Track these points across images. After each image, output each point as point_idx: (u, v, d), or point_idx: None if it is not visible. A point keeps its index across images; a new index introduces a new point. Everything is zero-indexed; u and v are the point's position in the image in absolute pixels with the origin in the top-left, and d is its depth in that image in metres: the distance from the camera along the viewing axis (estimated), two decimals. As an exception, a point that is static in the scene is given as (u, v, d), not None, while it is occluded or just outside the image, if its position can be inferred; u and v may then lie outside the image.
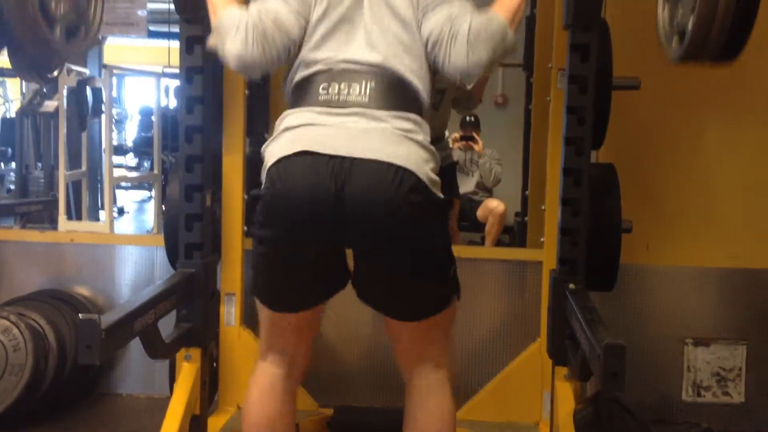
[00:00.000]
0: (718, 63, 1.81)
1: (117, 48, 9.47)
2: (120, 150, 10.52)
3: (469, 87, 2.91)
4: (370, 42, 1.84)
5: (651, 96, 3.12)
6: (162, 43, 5.59)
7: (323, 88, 1.82)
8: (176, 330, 2.61)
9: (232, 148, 2.87)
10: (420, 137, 1.80)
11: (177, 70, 2.74)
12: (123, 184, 9.17)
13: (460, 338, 3.20)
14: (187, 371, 2.65)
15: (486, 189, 5.94)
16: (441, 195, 1.82)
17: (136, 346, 2.38)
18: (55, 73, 5.12)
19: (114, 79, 7.31)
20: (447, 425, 1.96)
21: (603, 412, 2.87)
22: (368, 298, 1.93)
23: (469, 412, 2.95)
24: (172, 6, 2.63)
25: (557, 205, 2.66)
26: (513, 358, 3.04)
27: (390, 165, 1.71)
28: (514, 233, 4.20)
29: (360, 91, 1.80)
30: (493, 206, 5.56)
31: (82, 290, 3.53)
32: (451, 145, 5.39)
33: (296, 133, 1.80)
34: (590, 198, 2.59)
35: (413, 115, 1.83)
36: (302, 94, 1.86)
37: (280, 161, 1.77)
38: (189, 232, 2.66)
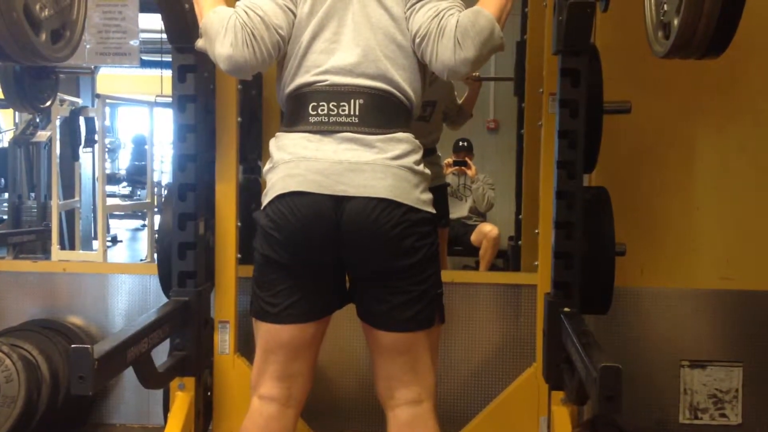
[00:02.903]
0: (704, 58, 1.82)
1: (110, 77, 9.49)
2: (113, 179, 10.51)
3: (457, 81, 2.90)
4: (358, 40, 1.85)
5: (642, 119, 3.14)
6: (154, 72, 5.61)
7: (313, 108, 1.85)
8: (170, 359, 2.60)
9: (225, 176, 2.87)
10: (410, 160, 1.84)
11: (169, 99, 2.75)
12: (116, 213, 9.17)
13: (455, 363, 3.19)
14: (181, 400, 2.63)
15: (479, 214, 5.95)
16: (432, 210, 1.87)
17: (129, 375, 2.37)
18: (48, 103, 5.16)
19: (107, 109, 7.33)
20: None
21: (600, 437, 2.86)
22: (360, 311, 1.97)
23: (465, 439, 2.94)
24: (164, 36, 2.64)
25: (551, 228, 2.66)
26: (509, 383, 3.02)
27: (381, 200, 1.79)
28: (508, 257, 4.21)
29: (349, 111, 1.83)
30: (486, 231, 5.57)
31: (75, 320, 3.51)
32: (443, 166, 5.40)
33: (294, 167, 1.83)
34: (584, 221, 2.60)
35: (403, 134, 1.86)
36: (294, 112, 1.89)
37: (283, 197, 1.83)
38: (182, 261, 2.66)
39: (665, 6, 1.83)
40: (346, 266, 1.93)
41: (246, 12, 1.85)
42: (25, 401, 3.06)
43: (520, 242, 3.63)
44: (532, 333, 2.95)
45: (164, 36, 2.65)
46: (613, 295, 2.76)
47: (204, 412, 2.79)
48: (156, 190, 7.21)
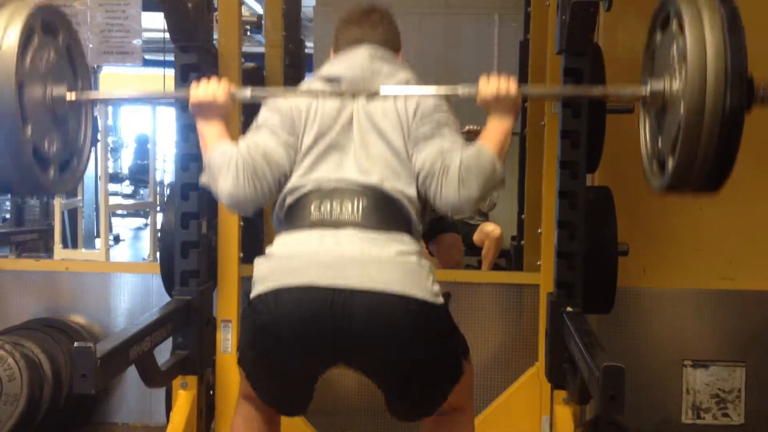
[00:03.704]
0: (700, 195, 1.83)
1: (112, 77, 9.50)
2: (116, 178, 10.52)
3: None
4: (361, 168, 1.84)
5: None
6: (157, 72, 5.61)
7: (315, 208, 1.80)
8: (172, 358, 2.60)
9: (227, 175, 2.87)
10: (413, 258, 1.77)
11: (172, 99, 2.75)
12: (119, 211, 9.17)
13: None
14: (184, 399, 2.63)
15: (482, 213, 5.94)
16: (441, 300, 1.79)
17: (132, 374, 2.37)
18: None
19: (109, 108, 7.34)
20: None
21: (602, 436, 2.86)
22: (390, 409, 1.93)
23: (467, 438, 2.93)
24: (167, 35, 2.64)
25: (553, 228, 2.66)
26: (511, 383, 3.02)
27: (391, 294, 1.69)
28: (511, 257, 4.21)
29: (352, 209, 1.79)
30: (489, 230, 5.56)
31: (78, 318, 3.51)
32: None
33: (293, 260, 1.76)
34: (586, 221, 2.60)
35: (405, 236, 1.81)
36: (294, 215, 1.84)
37: (279, 291, 1.73)
38: (185, 260, 2.66)
39: (659, 142, 1.84)
40: (353, 365, 1.84)
41: (248, 149, 1.85)
42: (28, 400, 3.06)
43: (522, 242, 3.63)
44: (534, 332, 2.95)
45: (167, 35, 2.65)
46: (616, 294, 2.75)
47: (206, 410, 2.79)
48: (158, 189, 7.23)
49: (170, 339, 2.58)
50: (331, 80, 1.94)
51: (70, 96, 1.90)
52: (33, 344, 3.22)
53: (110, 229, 7.19)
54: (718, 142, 1.63)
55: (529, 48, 3.48)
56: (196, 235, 2.66)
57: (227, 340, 2.88)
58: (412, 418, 1.95)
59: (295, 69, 3.96)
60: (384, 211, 1.80)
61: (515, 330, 3.21)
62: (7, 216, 7.19)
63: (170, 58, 2.79)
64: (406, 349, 1.74)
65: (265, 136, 1.88)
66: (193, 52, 2.60)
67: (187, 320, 2.62)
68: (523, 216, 3.64)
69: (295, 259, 1.75)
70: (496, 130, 1.87)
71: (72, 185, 1.98)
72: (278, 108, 1.92)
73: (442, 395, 1.87)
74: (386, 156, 1.85)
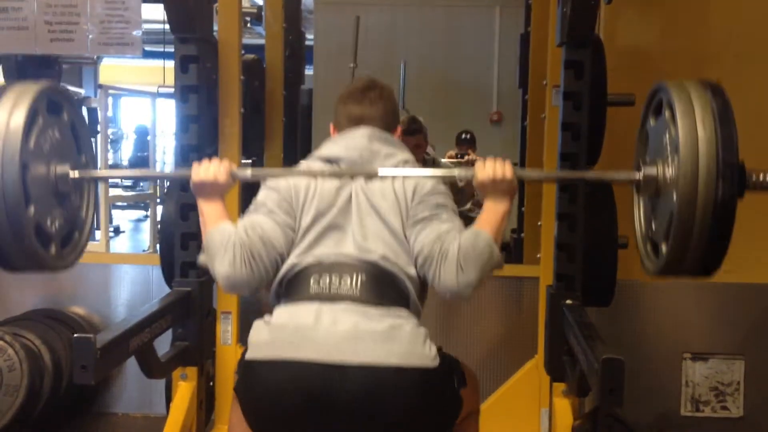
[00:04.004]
0: (694, 279, 1.84)
1: (112, 68, 9.49)
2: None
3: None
4: (360, 246, 1.85)
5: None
6: (157, 63, 5.61)
7: (315, 281, 1.82)
8: (172, 349, 2.61)
9: (227, 167, 2.87)
10: (408, 327, 1.78)
11: (172, 90, 2.75)
12: (119, 203, 9.17)
13: (456, 355, 3.19)
14: (184, 390, 2.64)
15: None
16: (437, 362, 1.79)
17: (132, 365, 2.37)
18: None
19: (109, 99, 7.33)
20: None
21: (601, 428, 2.86)
22: None
23: (467, 430, 2.94)
24: (167, 26, 2.64)
25: (553, 220, 2.66)
26: (510, 375, 3.02)
27: (386, 368, 1.71)
28: (511, 249, 4.21)
29: (351, 284, 1.80)
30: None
31: (78, 309, 3.52)
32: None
33: (290, 332, 1.77)
34: (586, 214, 2.59)
35: (403, 311, 1.82)
36: (294, 287, 1.85)
37: (275, 363, 1.74)
38: (185, 251, 2.66)
39: (653, 225, 1.86)
40: None
41: (246, 232, 1.86)
42: (28, 390, 3.07)
43: (522, 234, 3.63)
44: (534, 325, 2.95)
45: (167, 26, 2.65)
46: (616, 287, 2.76)
47: (206, 401, 2.80)
48: (158, 180, 7.23)
49: (170, 330, 2.58)
50: (330, 161, 1.97)
51: (74, 174, 1.94)
52: (33, 335, 3.23)
53: (110, 220, 7.20)
54: (711, 231, 1.66)
55: (530, 40, 3.48)
56: (196, 226, 2.64)
57: (227, 331, 2.88)
58: None
59: (295, 60, 3.96)
60: (382, 287, 1.82)
61: (515, 322, 3.21)
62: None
63: (170, 49, 2.79)
64: (403, 422, 1.75)
65: (263, 217, 1.90)
66: (192, 43, 2.60)
67: (187, 312, 2.62)
68: (523, 208, 3.64)
69: (292, 332, 1.76)
70: (493, 213, 1.89)
71: (73, 260, 2.03)
72: (277, 187, 1.94)
73: None
74: (384, 236, 1.87)
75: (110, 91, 7.37)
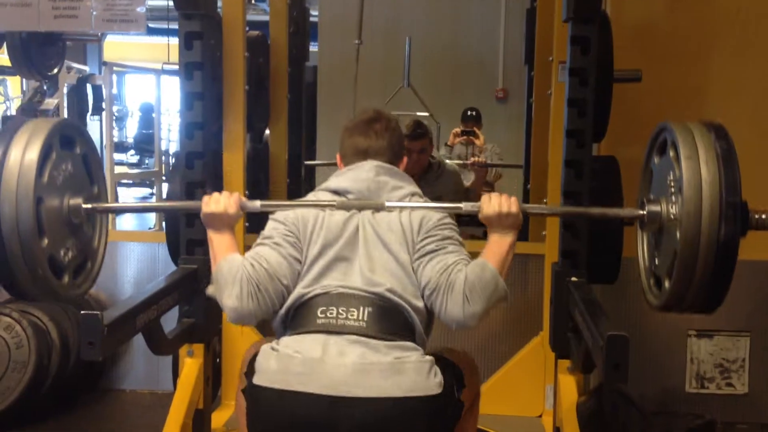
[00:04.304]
0: (697, 314, 1.87)
1: (116, 45, 9.47)
2: (121, 147, 10.52)
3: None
4: (367, 278, 1.87)
5: (652, 88, 3.11)
6: (161, 40, 5.59)
7: (321, 312, 1.84)
8: (179, 326, 2.61)
9: (232, 145, 2.86)
10: (413, 357, 1.80)
11: (176, 67, 2.74)
12: (124, 181, 9.18)
13: (461, 332, 3.20)
14: (190, 367, 2.65)
15: (487, 183, 5.93)
16: (441, 389, 1.81)
17: (139, 342, 2.39)
18: (55, 70, 5.14)
19: (114, 76, 7.32)
20: None
21: (606, 404, 2.88)
22: None
23: (472, 406, 2.95)
24: (171, 2, 2.62)
25: (559, 198, 2.65)
26: (516, 352, 3.03)
27: (391, 399, 1.74)
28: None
29: (358, 316, 1.83)
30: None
31: (85, 287, 3.53)
32: (452, 140, 5.38)
33: (298, 364, 1.78)
34: (592, 191, 2.59)
35: (409, 344, 1.84)
36: (301, 317, 1.88)
37: (283, 393, 1.76)
38: (190, 228, 2.66)
39: (656, 260, 1.88)
40: None
41: (252, 264, 1.88)
42: (36, 367, 3.09)
43: (528, 212, 3.61)
44: (539, 302, 2.96)
45: (171, 3, 2.63)
46: (621, 264, 2.75)
47: (213, 378, 2.81)
48: (163, 158, 7.23)
49: (177, 307, 2.59)
50: (338, 193, 2.01)
51: (86, 206, 2.02)
52: (40, 312, 3.25)
53: (116, 198, 7.20)
54: (714, 270, 1.70)
55: (536, 16, 3.45)
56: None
57: (233, 308, 2.88)
58: None
59: (300, 37, 3.94)
60: (388, 319, 1.84)
61: (520, 300, 3.22)
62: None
63: (174, 26, 2.77)
64: None
65: (270, 250, 1.92)
66: (197, 19, 2.58)
67: (193, 289, 2.62)
68: (528, 186, 3.63)
69: (300, 363, 1.77)
70: (499, 246, 1.93)
71: (85, 289, 2.11)
72: (285, 218, 1.97)
73: None
74: (392, 268, 1.90)
75: (115, 68, 7.35)
